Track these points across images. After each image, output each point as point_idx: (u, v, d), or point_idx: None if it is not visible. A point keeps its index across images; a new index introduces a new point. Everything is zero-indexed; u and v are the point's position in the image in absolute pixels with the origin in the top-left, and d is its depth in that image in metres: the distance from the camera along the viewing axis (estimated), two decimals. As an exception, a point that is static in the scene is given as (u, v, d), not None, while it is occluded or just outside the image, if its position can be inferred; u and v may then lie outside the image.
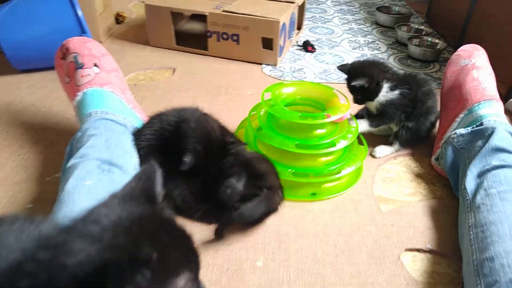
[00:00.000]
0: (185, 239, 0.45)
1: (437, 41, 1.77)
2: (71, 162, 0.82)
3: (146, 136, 0.92)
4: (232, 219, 0.86)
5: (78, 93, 0.97)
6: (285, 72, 1.60)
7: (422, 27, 1.95)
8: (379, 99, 1.08)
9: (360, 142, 1.12)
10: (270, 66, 1.63)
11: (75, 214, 0.43)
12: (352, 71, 1.08)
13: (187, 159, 0.83)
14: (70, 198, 0.73)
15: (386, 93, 1.08)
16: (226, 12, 1.57)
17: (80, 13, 1.40)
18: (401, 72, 1.14)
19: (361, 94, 1.09)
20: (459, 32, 1.75)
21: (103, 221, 0.39)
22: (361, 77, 1.04)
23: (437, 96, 1.15)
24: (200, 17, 1.72)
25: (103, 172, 0.80)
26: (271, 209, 0.89)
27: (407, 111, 1.10)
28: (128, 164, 0.86)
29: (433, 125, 1.17)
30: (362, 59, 1.14)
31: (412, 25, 1.97)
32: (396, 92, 1.08)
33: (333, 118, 0.97)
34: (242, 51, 1.63)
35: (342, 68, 1.11)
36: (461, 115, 1.05)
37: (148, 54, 1.70)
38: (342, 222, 0.93)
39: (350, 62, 1.13)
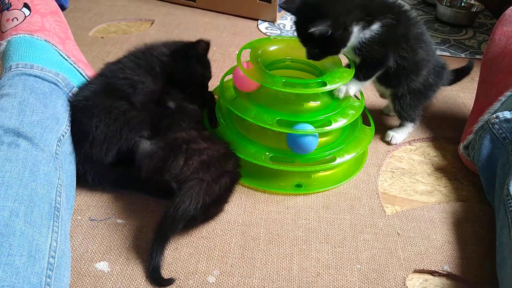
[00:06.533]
0: None
1: (473, 2, 1.46)
2: None
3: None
4: None
5: (1, 42, 0.82)
6: (285, 30, 1.33)
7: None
8: (352, 42, 0.74)
9: (366, 122, 0.86)
10: (267, 23, 1.36)
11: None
12: (303, 9, 0.72)
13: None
14: None
15: (360, 35, 0.73)
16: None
17: None
18: None
19: (320, 46, 0.73)
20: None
21: None
22: (321, 20, 0.67)
23: (434, 48, 0.84)
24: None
25: (1, 146, 0.59)
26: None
27: (401, 51, 0.76)
28: (46, 134, 0.67)
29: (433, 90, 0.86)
30: None
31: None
32: (376, 26, 0.72)
33: (330, 87, 0.72)
34: (234, 3, 1.37)
35: (288, 6, 0.74)
36: (508, 93, 0.78)
37: (125, 4, 1.47)
38: (331, 226, 0.70)
39: None
